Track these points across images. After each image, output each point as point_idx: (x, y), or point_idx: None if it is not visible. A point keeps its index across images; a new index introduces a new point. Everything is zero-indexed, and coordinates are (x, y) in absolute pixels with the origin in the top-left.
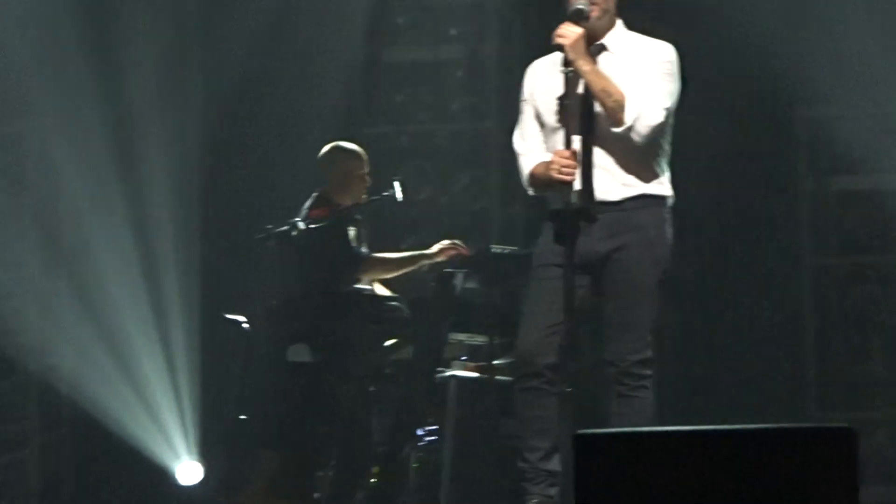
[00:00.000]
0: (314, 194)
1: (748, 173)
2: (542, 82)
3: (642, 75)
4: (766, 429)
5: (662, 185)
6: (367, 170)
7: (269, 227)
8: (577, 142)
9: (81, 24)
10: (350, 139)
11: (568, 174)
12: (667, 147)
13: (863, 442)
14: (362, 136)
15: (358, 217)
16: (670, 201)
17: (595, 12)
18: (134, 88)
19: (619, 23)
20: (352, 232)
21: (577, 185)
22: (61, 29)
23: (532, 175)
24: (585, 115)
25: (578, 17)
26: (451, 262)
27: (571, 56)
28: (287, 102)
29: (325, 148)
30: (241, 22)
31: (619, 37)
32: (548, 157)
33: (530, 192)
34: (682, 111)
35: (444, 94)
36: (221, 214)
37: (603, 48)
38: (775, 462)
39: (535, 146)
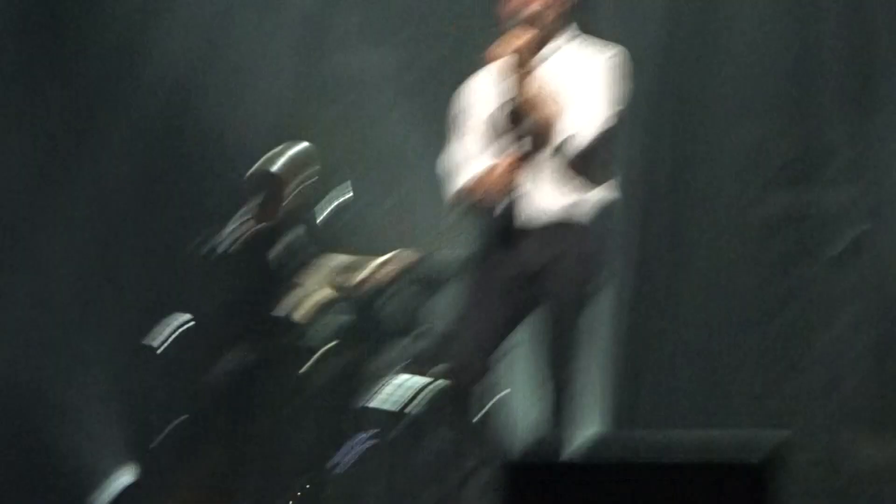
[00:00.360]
0: (260, 196)
1: (692, 186)
2: (483, 91)
3: (586, 83)
4: (687, 464)
5: (603, 194)
6: (310, 172)
7: (205, 235)
8: (517, 151)
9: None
10: (292, 145)
11: (505, 186)
12: (610, 155)
13: None
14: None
15: (303, 221)
16: (611, 210)
17: (540, 22)
18: (62, 95)
19: (567, 30)
20: (296, 236)
21: (516, 195)
22: None
23: (470, 184)
24: (525, 125)
25: (523, 25)
26: (399, 269)
27: (514, 64)
28: (225, 110)
29: (267, 155)
30: (181, 24)
31: (565, 44)
32: (487, 166)
33: (468, 201)
34: (628, 120)
35: (384, 102)
36: (157, 223)
37: (547, 56)
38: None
39: (473, 155)
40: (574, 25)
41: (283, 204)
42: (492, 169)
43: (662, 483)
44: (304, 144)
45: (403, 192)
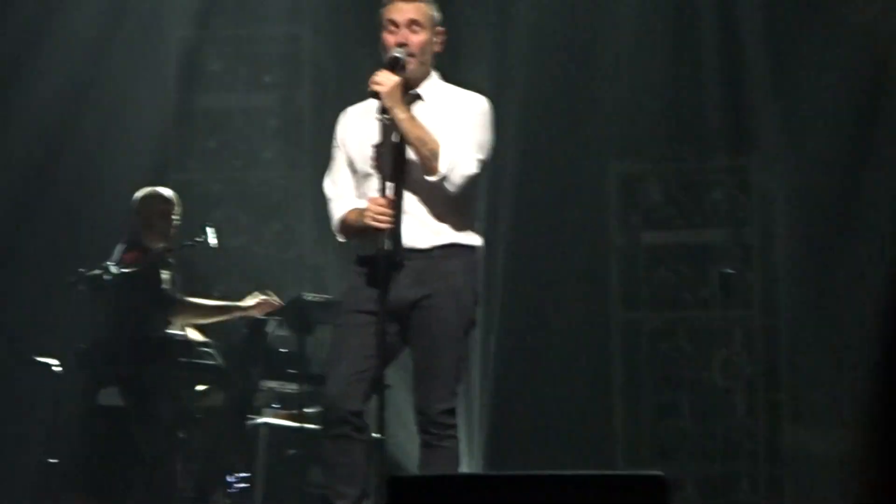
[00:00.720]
0: (126, 239)
1: (560, 226)
2: (356, 128)
3: (456, 126)
4: (580, 475)
5: (472, 235)
6: (177, 213)
7: (81, 270)
8: (390, 189)
9: None
10: (162, 185)
11: (382, 221)
12: (477, 198)
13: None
14: (175, 183)
15: (171, 261)
16: (480, 251)
17: (412, 64)
18: None
19: (435, 74)
20: (165, 276)
21: (387, 232)
22: None
23: (344, 221)
24: (399, 162)
25: (395, 66)
26: (265, 310)
27: (388, 103)
28: (100, 147)
29: (136, 194)
30: (55, 62)
31: (435, 87)
32: (360, 203)
33: (340, 238)
34: (495, 162)
35: (256, 141)
36: (32, 257)
37: (418, 97)
38: None
39: (346, 192)
40: (438, 74)
41: (149, 245)
42: (369, 206)
43: (558, 494)
44: (166, 190)
45: (277, 230)
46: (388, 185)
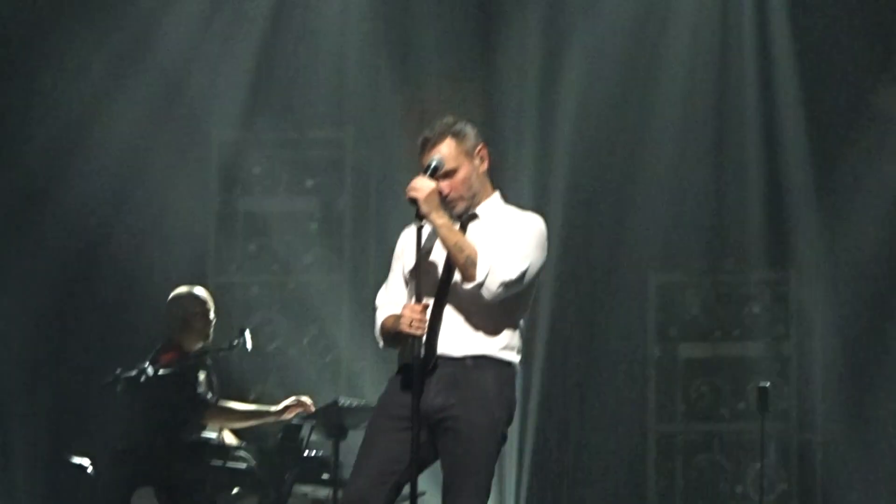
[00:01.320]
0: (163, 340)
1: (598, 335)
2: (412, 240)
3: (504, 238)
4: None
5: (509, 351)
6: (212, 314)
7: (118, 371)
8: (427, 295)
9: None
10: (201, 286)
11: (416, 327)
12: (521, 315)
13: None
14: (214, 285)
15: (207, 363)
16: (515, 368)
17: (459, 205)
18: None
19: (496, 194)
20: (201, 377)
21: (426, 337)
22: None
23: (383, 326)
24: (438, 269)
25: (433, 172)
26: (296, 417)
27: (424, 209)
28: (140, 249)
29: (172, 294)
30: (97, 163)
31: (492, 206)
32: (397, 309)
33: (381, 344)
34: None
35: (296, 245)
36: (70, 357)
37: (474, 217)
38: None
39: (395, 301)
40: (497, 193)
41: (186, 346)
42: (404, 311)
43: None
44: (201, 290)
45: (314, 335)
46: (428, 290)
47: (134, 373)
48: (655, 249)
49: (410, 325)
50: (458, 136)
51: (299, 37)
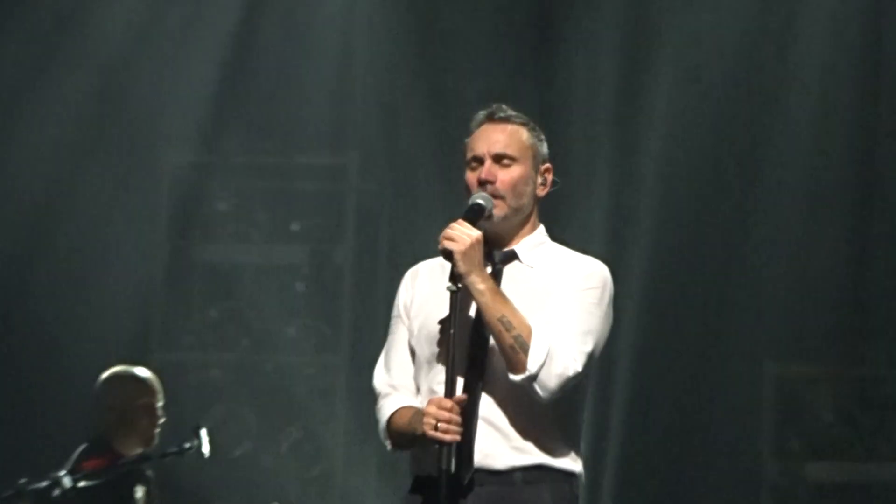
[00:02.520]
0: (88, 439)
1: (697, 448)
2: (427, 295)
3: (559, 303)
4: None
5: (570, 459)
6: (160, 406)
7: (23, 481)
8: (460, 386)
9: None
10: (142, 364)
11: (447, 432)
12: (583, 403)
13: None
14: (160, 363)
15: (148, 473)
16: (579, 481)
17: (500, 208)
18: None
19: (541, 228)
20: (138, 493)
21: (457, 445)
22: None
23: (393, 423)
24: (474, 350)
25: (476, 216)
26: None
27: (462, 268)
28: (61, 310)
29: (103, 375)
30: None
31: (537, 246)
32: (416, 400)
33: (388, 446)
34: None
35: (275, 312)
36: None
37: (513, 256)
38: None
39: (401, 382)
40: (542, 228)
41: (121, 449)
42: (429, 408)
43: None
44: (144, 371)
45: (297, 438)
46: (459, 380)
47: (45, 483)
48: (773, 329)
49: (437, 429)
50: (534, 133)
51: (286, 29)
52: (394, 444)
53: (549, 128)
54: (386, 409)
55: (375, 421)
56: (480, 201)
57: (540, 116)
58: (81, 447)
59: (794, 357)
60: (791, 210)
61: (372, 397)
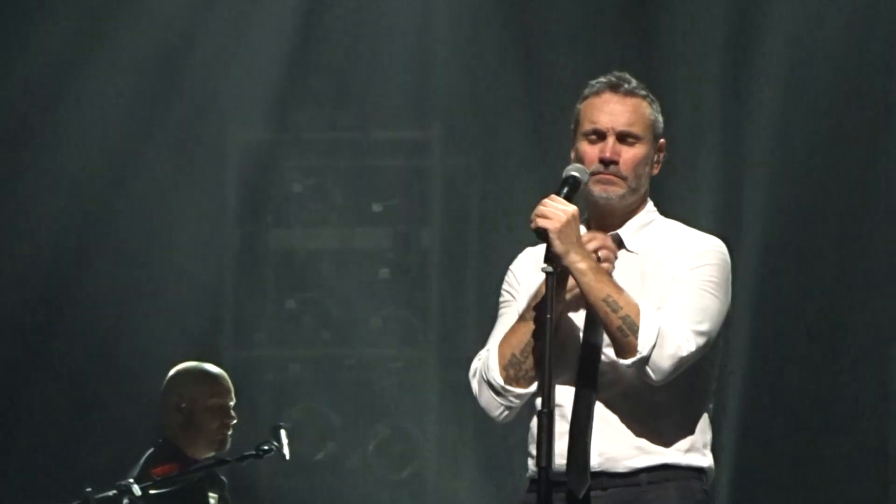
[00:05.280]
0: (155, 443)
1: (814, 441)
2: (531, 284)
3: (673, 282)
4: None
5: (698, 453)
6: (232, 406)
7: (88, 490)
8: (570, 390)
9: None
10: (214, 362)
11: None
12: (708, 395)
13: None
14: (234, 360)
15: (222, 478)
16: (710, 474)
17: (619, 188)
18: None
19: (649, 205)
20: (212, 501)
21: (564, 447)
22: None
23: (503, 356)
24: (580, 337)
25: (572, 189)
26: None
27: (558, 247)
28: (121, 303)
29: (171, 373)
30: (53, 173)
31: (643, 226)
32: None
33: (498, 408)
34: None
35: (357, 300)
36: (15, 466)
37: (619, 240)
38: None
39: (502, 379)
40: (651, 204)
41: (192, 453)
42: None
43: None
44: (216, 369)
45: (384, 438)
46: (560, 371)
47: (112, 493)
48: None
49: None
50: (655, 108)
51: None
52: (512, 383)
53: (654, 91)
54: (491, 348)
55: (479, 393)
56: (575, 173)
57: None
58: (148, 452)
59: None
60: None
61: (468, 388)
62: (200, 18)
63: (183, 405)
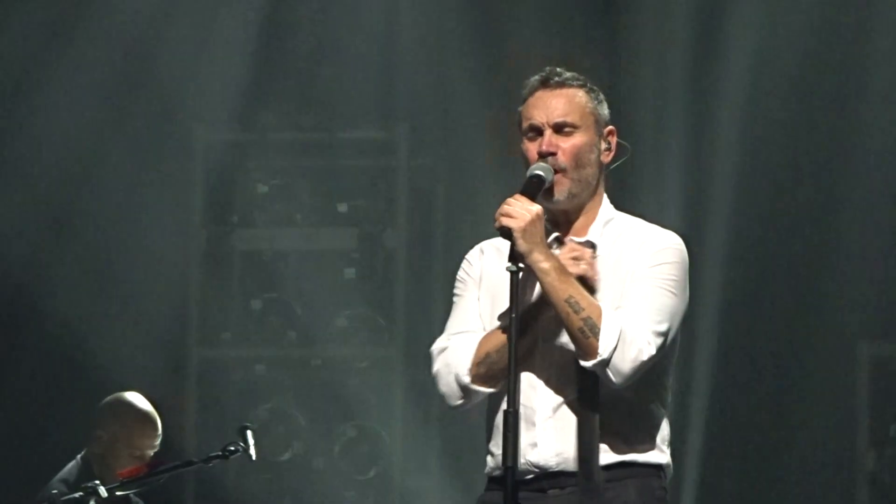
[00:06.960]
0: (77, 458)
1: (780, 436)
2: (491, 276)
3: (631, 281)
4: None
5: (657, 450)
6: (153, 450)
7: (52, 492)
8: (528, 378)
9: None
10: (181, 362)
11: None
12: (666, 391)
13: None
14: (200, 361)
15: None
16: (668, 470)
17: (563, 183)
18: None
19: (605, 201)
20: None
21: (530, 445)
22: None
23: (479, 354)
24: (540, 336)
25: (535, 189)
26: None
27: (522, 246)
28: (87, 301)
29: (107, 399)
30: (18, 172)
31: (603, 224)
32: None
33: (456, 399)
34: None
35: (323, 300)
36: None
37: (593, 245)
38: None
39: (474, 328)
40: (606, 198)
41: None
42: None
43: None
44: (147, 409)
45: (350, 438)
46: (527, 371)
47: (79, 495)
48: (867, 307)
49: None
50: (594, 95)
51: None
52: (480, 378)
53: (618, 96)
54: (466, 343)
55: (438, 378)
56: (540, 172)
57: (608, 85)
58: (69, 465)
59: (890, 337)
60: (884, 183)
61: (429, 372)
62: (166, 19)
63: (104, 439)
